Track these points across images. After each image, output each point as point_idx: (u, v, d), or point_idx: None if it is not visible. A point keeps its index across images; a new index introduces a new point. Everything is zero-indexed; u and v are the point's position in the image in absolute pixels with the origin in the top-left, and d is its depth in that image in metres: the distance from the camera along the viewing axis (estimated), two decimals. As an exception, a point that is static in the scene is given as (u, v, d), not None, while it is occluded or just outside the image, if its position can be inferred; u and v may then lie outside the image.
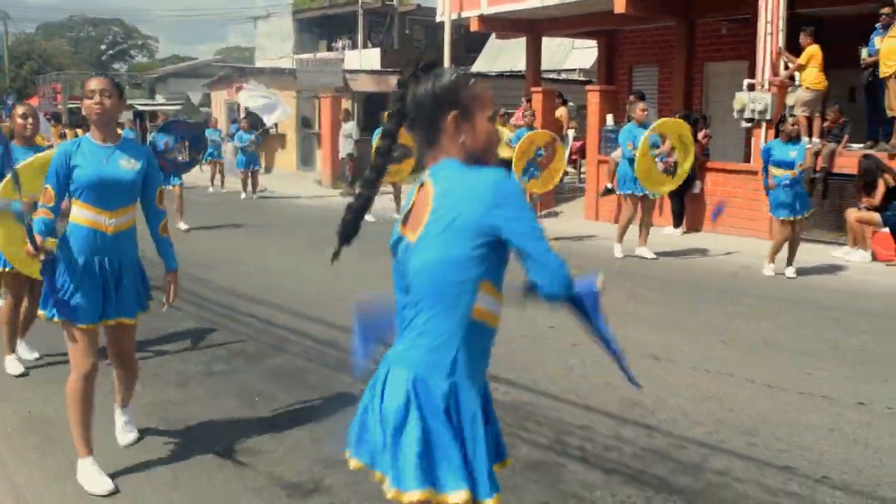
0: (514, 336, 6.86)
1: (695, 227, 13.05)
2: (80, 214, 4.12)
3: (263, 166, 21.92)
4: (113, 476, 4.18)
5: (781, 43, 12.52)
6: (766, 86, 12.51)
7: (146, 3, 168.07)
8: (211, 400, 5.47)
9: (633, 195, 10.68)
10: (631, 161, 10.45)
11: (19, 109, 6.14)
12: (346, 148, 19.07)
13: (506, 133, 13.67)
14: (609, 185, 13.62)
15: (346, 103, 22.34)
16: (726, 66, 17.55)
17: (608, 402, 5.27)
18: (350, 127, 19.12)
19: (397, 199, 14.71)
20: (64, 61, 56.96)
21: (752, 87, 12.71)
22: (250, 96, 20.55)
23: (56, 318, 4.12)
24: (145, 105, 42.02)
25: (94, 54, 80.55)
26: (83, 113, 4.19)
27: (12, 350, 6.13)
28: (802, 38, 12.29)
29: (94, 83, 4.07)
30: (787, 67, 12.70)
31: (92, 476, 4.15)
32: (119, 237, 4.18)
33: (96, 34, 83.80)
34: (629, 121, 11.01)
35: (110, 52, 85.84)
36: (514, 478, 4.20)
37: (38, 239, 3.97)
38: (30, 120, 6.10)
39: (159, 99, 45.39)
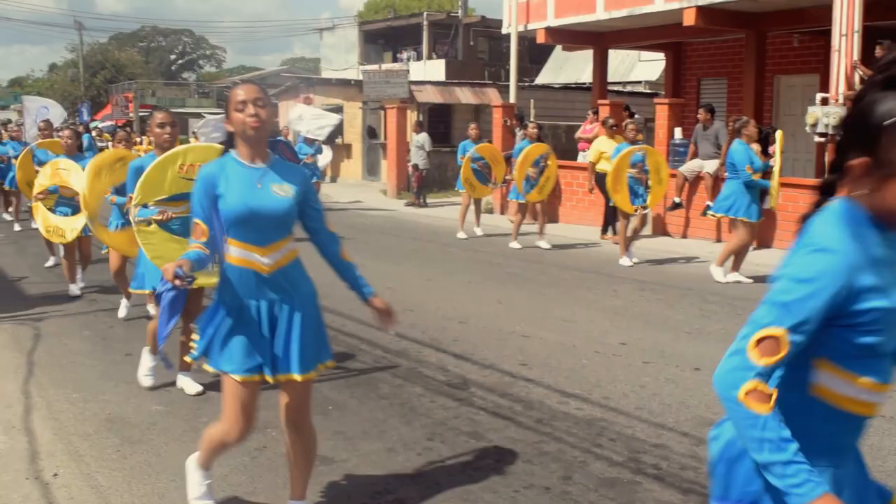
0: (585, 352, 6.85)
1: (765, 243, 12.85)
2: (231, 251, 3.50)
3: (329, 176, 22.07)
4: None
5: (856, 56, 12.29)
6: (840, 100, 12.28)
7: (214, 15, 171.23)
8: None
9: (746, 221, 9.79)
10: (749, 185, 9.76)
11: (157, 117, 5.69)
12: (415, 158, 19.19)
13: (610, 146, 13.13)
14: (677, 200, 13.50)
15: (411, 114, 22.50)
16: (798, 80, 17.29)
17: (682, 421, 5.21)
18: (422, 138, 19.25)
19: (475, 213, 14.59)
20: (136, 70, 58.23)
21: (825, 101, 12.49)
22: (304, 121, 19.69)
23: (212, 368, 3.60)
24: (213, 114, 42.74)
25: (165, 63, 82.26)
26: (231, 129, 3.45)
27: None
28: (878, 51, 12.04)
29: (244, 92, 3.40)
30: (862, 81, 12.45)
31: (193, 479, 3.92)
32: (279, 276, 3.51)
33: (167, 44, 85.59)
34: (736, 136, 10.19)
35: (180, 61, 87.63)
36: (588, 494, 4.18)
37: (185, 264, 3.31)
38: (167, 129, 5.62)
39: (227, 108, 46.17)
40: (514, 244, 12.98)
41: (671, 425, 5.14)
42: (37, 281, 10.13)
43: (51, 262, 11.01)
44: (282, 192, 3.44)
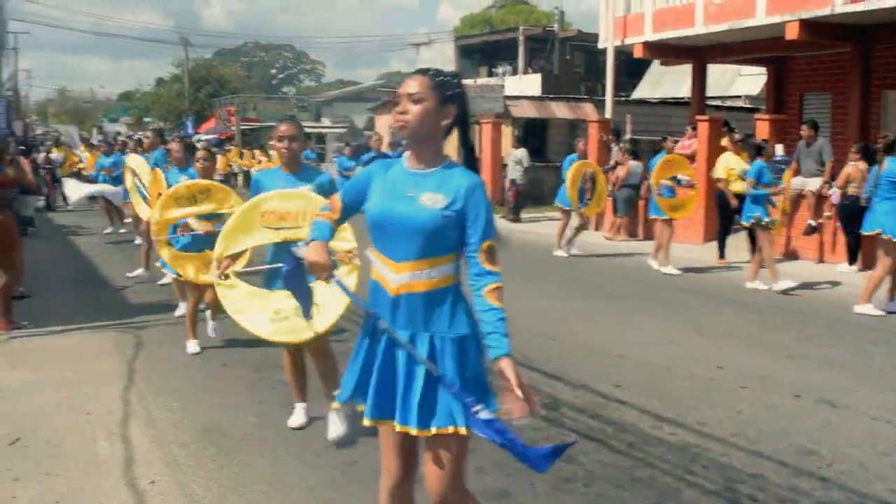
0: (681, 374, 6.71)
1: (868, 265, 12.39)
2: (372, 263, 3.08)
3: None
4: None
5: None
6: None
7: (315, 30, 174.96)
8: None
9: None
10: None
11: (279, 129, 5.16)
12: (513, 174, 19.16)
13: (738, 162, 12.70)
14: (813, 223, 12.96)
15: (505, 129, 22.50)
16: (907, 94, 16.67)
17: (780, 450, 5.04)
18: (521, 153, 19.18)
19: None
20: (238, 85, 59.75)
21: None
22: None
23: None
24: (312, 127, 43.56)
25: (266, 78, 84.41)
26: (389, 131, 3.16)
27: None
28: None
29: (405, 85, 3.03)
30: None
31: None
32: (408, 302, 2.96)
33: (268, 59, 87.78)
34: (890, 154, 9.64)
35: (280, 76, 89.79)
36: (681, 523, 4.09)
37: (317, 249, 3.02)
38: (285, 143, 5.08)
39: (325, 122, 47.02)
40: (560, 252, 13.69)
41: (769, 454, 4.98)
42: (140, 290, 10.45)
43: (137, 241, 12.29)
44: (430, 202, 2.93)
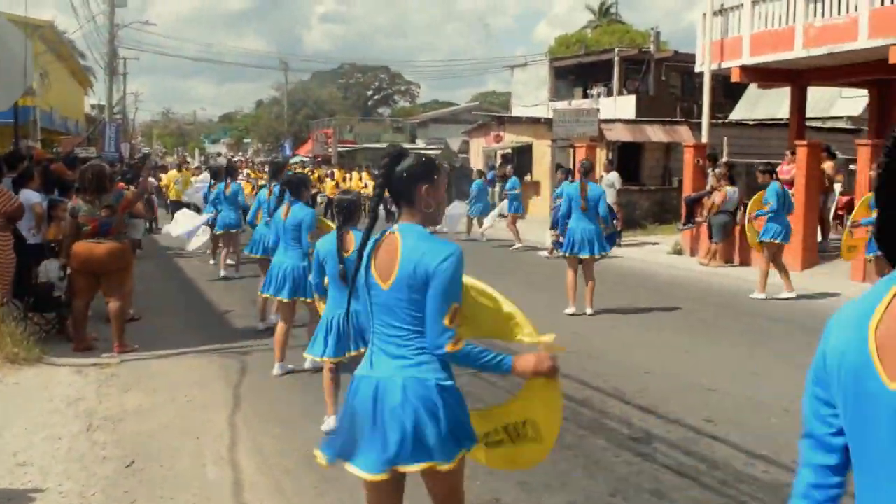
0: (774, 409, 6.68)
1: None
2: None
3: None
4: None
5: None
6: None
7: (413, 50, 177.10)
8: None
9: None
10: None
11: None
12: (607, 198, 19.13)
13: None
14: None
15: (600, 152, 22.49)
16: None
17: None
18: (612, 177, 19.15)
19: None
20: (335, 107, 61.00)
21: None
22: None
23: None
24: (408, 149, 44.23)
25: (362, 99, 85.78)
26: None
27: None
28: None
29: None
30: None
31: None
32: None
33: (364, 80, 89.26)
34: None
35: (376, 97, 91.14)
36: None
37: None
38: None
39: (419, 143, 47.64)
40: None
41: (864, 496, 4.95)
42: (243, 314, 10.84)
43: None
44: None
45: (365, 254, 3.18)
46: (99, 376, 7.67)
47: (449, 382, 3.12)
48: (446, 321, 3.02)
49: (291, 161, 37.78)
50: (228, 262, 14.22)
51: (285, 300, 7.74)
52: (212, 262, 15.54)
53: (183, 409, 6.75)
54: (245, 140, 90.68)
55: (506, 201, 20.29)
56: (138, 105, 67.30)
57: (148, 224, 22.03)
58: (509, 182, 20.61)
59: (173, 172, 25.28)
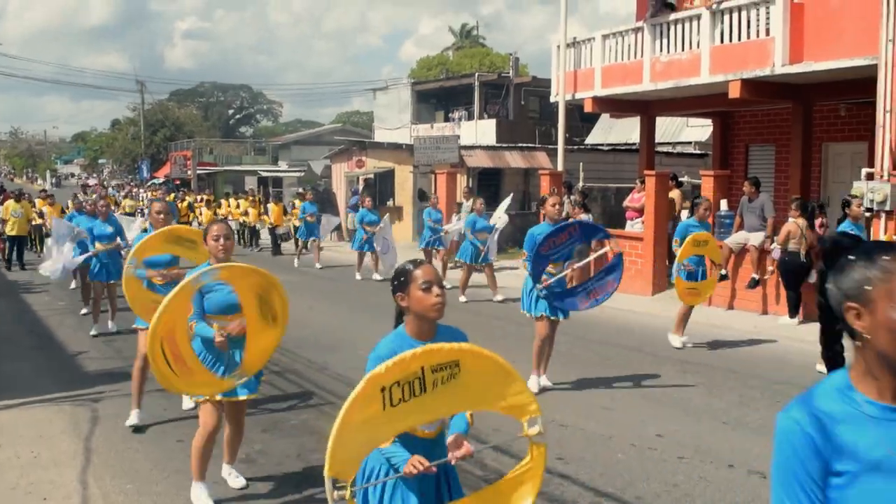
0: (621, 444, 6.96)
1: (811, 317, 12.82)
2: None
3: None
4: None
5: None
6: (886, 176, 12.30)
7: (280, 70, 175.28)
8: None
9: None
10: None
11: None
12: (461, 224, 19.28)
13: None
14: (756, 277, 13.35)
15: (461, 178, 22.86)
16: (846, 147, 17.29)
17: (713, 526, 5.31)
18: (471, 204, 19.29)
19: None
20: (194, 127, 59.75)
21: (870, 177, 12.52)
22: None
23: None
24: (269, 171, 43.69)
25: (223, 119, 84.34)
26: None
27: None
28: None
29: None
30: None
31: None
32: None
33: (225, 99, 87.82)
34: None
35: (237, 116, 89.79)
36: None
37: None
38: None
39: (282, 165, 47.17)
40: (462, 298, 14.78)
41: (701, 531, 5.23)
42: (96, 356, 10.51)
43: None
44: None
45: None
46: (-63, 432, 7.31)
47: None
48: None
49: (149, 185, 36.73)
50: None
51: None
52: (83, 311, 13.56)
53: (29, 467, 6.50)
54: (100, 160, 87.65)
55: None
56: (-17, 124, 64.23)
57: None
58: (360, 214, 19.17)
59: (11, 203, 21.47)
